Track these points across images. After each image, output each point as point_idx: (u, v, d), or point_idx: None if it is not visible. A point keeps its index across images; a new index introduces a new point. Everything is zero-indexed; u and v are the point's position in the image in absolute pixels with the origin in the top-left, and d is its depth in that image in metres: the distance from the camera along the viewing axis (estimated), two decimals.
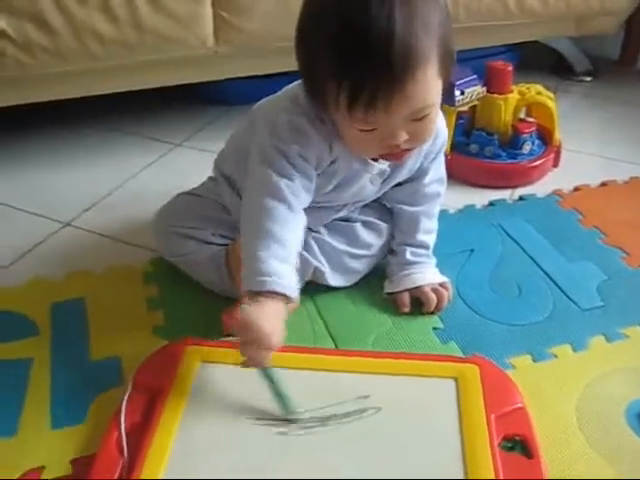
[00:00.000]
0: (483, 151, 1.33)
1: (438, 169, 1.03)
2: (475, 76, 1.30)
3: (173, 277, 1.05)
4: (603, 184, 1.33)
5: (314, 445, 0.75)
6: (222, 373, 0.84)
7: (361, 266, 1.02)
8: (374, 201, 1.05)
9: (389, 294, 1.01)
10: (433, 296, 0.97)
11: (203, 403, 0.80)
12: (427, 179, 1.02)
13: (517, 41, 1.72)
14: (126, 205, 1.27)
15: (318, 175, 0.91)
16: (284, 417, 0.78)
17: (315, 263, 0.98)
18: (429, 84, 0.78)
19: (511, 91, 1.33)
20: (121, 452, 0.75)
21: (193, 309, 0.99)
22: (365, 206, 1.05)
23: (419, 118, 0.81)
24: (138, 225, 1.19)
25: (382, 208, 1.06)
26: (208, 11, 1.30)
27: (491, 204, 1.26)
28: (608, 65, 1.94)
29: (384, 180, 0.99)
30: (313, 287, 1.00)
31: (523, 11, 1.55)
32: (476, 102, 1.32)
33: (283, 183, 0.85)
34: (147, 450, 0.74)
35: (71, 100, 1.37)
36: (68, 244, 1.16)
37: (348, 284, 1.02)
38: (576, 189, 1.31)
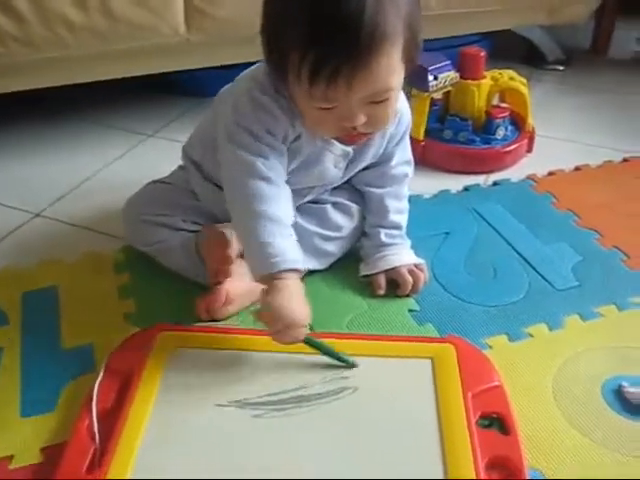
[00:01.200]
0: (457, 136, 1.33)
1: (404, 152, 1.03)
2: (449, 62, 1.30)
3: (144, 265, 1.03)
4: (577, 168, 1.33)
5: (291, 426, 0.74)
6: (195, 358, 0.83)
7: (334, 248, 1.01)
8: (345, 183, 1.04)
9: (365, 276, 1.00)
10: (409, 277, 0.97)
11: (176, 388, 0.79)
12: (394, 162, 1.02)
13: (489, 29, 1.72)
14: (97, 195, 1.25)
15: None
16: (350, 365, 0.82)
17: None
18: (393, 66, 0.78)
19: (484, 77, 1.33)
20: (93, 439, 0.73)
21: (164, 296, 0.97)
22: (335, 188, 1.04)
23: (378, 101, 0.80)
24: (109, 214, 1.17)
25: (353, 190, 1.05)
26: None
27: (466, 189, 1.26)
28: (580, 54, 1.96)
29: (348, 164, 0.98)
30: None
31: None
32: (450, 88, 1.32)
33: (259, 162, 0.84)
34: (119, 436, 0.73)
35: (40, 90, 1.35)
36: (39, 234, 1.14)
37: (322, 267, 1.01)
38: (550, 174, 1.31)
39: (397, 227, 1.02)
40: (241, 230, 0.86)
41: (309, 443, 0.73)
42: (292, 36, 0.76)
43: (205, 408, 0.77)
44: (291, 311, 0.78)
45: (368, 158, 0.99)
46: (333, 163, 0.96)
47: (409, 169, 1.04)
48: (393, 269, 0.98)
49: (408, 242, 1.02)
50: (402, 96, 0.92)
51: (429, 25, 1.54)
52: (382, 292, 0.97)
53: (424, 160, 1.32)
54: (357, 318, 0.93)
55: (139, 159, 1.39)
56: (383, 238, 1.00)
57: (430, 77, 1.26)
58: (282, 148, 0.88)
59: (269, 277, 0.80)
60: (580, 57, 1.93)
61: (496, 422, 0.76)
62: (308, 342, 0.81)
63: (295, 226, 0.96)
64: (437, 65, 1.27)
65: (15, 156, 1.40)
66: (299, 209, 1.00)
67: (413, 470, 0.70)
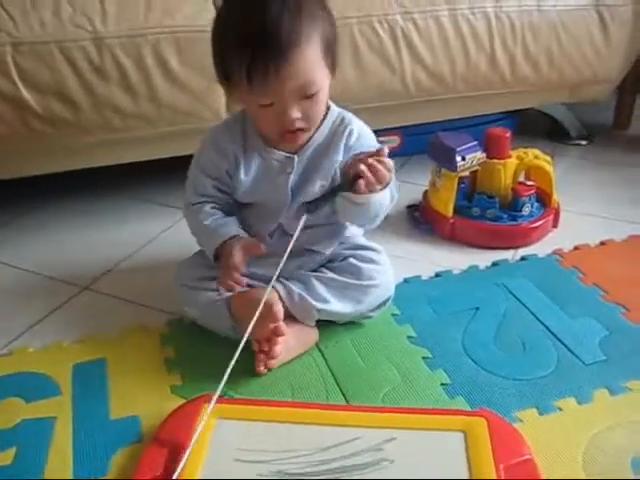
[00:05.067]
0: (485, 214, 1.38)
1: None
2: (476, 142, 1.36)
3: (189, 338, 1.09)
4: (602, 243, 1.37)
5: None
6: (238, 429, 0.87)
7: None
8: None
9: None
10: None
11: (220, 459, 0.83)
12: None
13: (513, 108, 1.79)
14: (143, 269, 1.32)
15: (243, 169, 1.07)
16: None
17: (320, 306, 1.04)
18: (313, 62, 0.95)
19: (510, 156, 1.40)
20: None
21: (209, 369, 1.00)
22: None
23: (309, 96, 0.96)
24: (155, 288, 1.23)
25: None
26: None
27: (494, 264, 1.30)
28: (602, 129, 2.02)
29: (303, 173, 1.06)
30: (324, 345, 1.06)
31: (518, 80, 1.63)
32: (477, 167, 1.38)
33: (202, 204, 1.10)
34: None
35: (88, 169, 1.44)
36: (87, 307, 1.21)
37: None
38: (576, 248, 1.35)
39: None
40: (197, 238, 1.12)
41: None
42: (229, 52, 0.95)
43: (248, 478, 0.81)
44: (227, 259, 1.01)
45: (325, 168, 1.06)
46: (280, 168, 1.06)
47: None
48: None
49: None
50: (359, 121, 1.09)
51: (456, 105, 1.64)
52: None
53: (453, 236, 1.38)
54: (392, 392, 0.97)
55: (183, 234, 1.43)
56: None
57: (458, 158, 1.32)
58: (226, 185, 1.09)
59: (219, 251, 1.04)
60: (602, 133, 1.99)
61: None
62: None
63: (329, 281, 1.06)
64: (465, 146, 1.34)
65: (64, 232, 1.47)
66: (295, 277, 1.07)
67: None
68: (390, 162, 0.97)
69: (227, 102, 1.40)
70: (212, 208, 1.09)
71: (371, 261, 1.09)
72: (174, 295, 1.12)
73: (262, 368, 1.00)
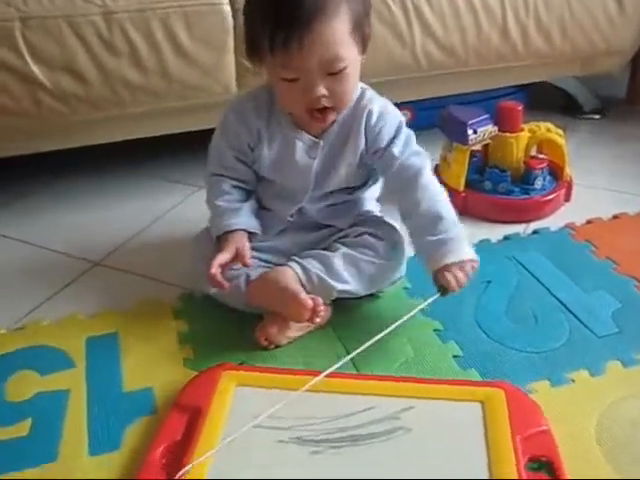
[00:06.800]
0: (497, 187, 1.37)
1: (407, 146, 1.05)
2: (487, 115, 1.35)
3: (202, 312, 1.09)
4: (615, 217, 1.36)
5: (346, 463, 0.79)
6: (256, 396, 0.88)
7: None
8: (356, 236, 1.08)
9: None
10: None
11: (240, 424, 0.83)
12: (397, 153, 1.04)
13: (526, 82, 1.78)
14: (154, 245, 1.32)
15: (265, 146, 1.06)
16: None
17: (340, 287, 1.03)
18: (339, 37, 0.91)
19: (522, 129, 1.38)
20: (163, 469, 0.79)
21: (221, 342, 1.02)
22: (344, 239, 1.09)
23: (335, 73, 0.93)
24: (166, 263, 1.24)
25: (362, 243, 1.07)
26: (231, 59, 1.37)
27: (506, 238, 1.30)
28: (616, 103, 2.00)
29: (328, 160, 1.05)
30: (336, 319, 1.06)
31: (530, 53, 1.61)
32: (489, 141, 1.37)
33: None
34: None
35: (98, 145, 1.44)
36: (100, 282, 1.21)
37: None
38: (588, 222, 1.35)
39: (435, 219, 1.01)
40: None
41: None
42: (256, 22, 0.94)
43: (268, 444, 0.81)
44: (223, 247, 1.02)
45: (349, 154, 1.05)
46: (304, 151, 1.05)
47: (419, 159, 1.05)
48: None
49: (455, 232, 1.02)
50: (386, 101, 1.07)
51: (468, 79, 1.62)
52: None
53: (465, 210, 1.37)
54: (404, 364, 0.97)
55: (194, 209, 1.44)
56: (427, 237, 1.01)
57: (469, 131, 1.31)
58: (246, 155, 1.08)
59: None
60: (616, 106, 1.97)
61: (544, 466, 0.79)
62: None
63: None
64: (476, 119, 1.33)
65: (76, 207, 1.48)
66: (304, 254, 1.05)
67: None
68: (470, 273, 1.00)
69: (237, 77, 1.39)
70: (231, 187, 1.08)
71: (388, 238, 1.07)
72: (190, 271, 1.12)
73: (264, 341, 1.00)
